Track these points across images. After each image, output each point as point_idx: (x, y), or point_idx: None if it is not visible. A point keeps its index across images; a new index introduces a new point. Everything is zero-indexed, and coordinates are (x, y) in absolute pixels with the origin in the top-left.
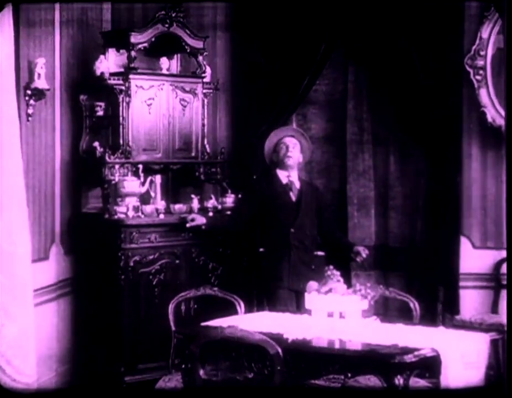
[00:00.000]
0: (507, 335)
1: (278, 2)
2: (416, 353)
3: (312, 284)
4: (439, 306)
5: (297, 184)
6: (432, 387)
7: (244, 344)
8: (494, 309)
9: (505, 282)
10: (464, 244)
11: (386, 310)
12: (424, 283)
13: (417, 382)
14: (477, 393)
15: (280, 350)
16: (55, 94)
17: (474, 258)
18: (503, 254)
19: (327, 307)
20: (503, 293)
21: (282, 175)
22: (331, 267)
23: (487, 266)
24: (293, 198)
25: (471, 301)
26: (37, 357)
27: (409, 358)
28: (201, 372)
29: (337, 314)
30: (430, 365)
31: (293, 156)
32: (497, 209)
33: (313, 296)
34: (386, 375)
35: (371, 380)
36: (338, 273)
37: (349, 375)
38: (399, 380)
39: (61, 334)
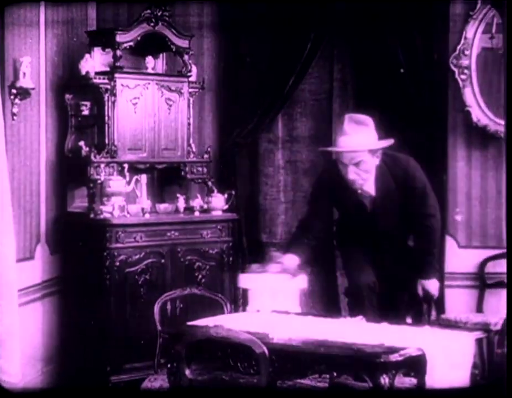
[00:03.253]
0: (507, 335)
1: (264, 1)
2: (401, 352)
3: (253, 265)
4: (425, 305)
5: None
6: (417, 386)
7: (230, 343)
8: (479, 308)
9: (489, 282)
10: (449, 243)
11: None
12: (409, 283)
13: (403, 382)
14: (478, 393)
15: (265, 350)
16: (40, 93)
17: (459, 258)
18: (488, 253)
19: (256, 285)
20: (488, 293)
21: None
22: (273, 249)
23: (472, 265)
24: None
25: (456, 300)
26: (22, 357)
27: (394, 357)
28: (187, 371)
29: (266, 291)
30: (415, 364)
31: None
32: (482, 208)
33: (245, 275)
34: (371, 374)
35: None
36: (280, 254)
37: (335, 374)
38: (384, 379)
39: (46, 334)
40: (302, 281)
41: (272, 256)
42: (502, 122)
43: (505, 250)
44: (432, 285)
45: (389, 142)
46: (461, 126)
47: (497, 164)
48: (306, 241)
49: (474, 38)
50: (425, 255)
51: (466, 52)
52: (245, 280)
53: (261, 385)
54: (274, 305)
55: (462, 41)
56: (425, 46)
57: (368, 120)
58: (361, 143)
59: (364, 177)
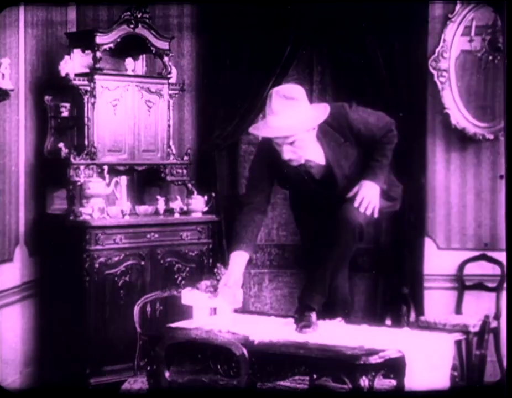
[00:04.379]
0: (507, 335)
1: (244, 3)
2: (381, 354)
3: (202, 282)
4: (404, 307)
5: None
6: (396, 388)
7: (210, 345)
8: (458, 310)
9: (468, 283)
10: (429, 245)
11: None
12: (388, 284)
13: (382, 384)
14: (479, 392)
15: (245, 351)
16: (19, 95)
17: (438, 260)
18: (467, 254)
19: (185, 301)
20: (467, 294)
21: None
22: (219, 265)
23: (451, 267)
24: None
25: (435, 302)
26: (1, 359)
27: (374, 359)
28: (166, 373)
29: (196, 309)
30: (395, 366)
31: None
32: (461, 210)
33: (183, 292)
34: (351, 376)
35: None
36: (222, 266)
37: (315, 376)
38: (364, 381)
39: (26, 336)
40: (238, 298)
41: (216, 270)
42: (481, 124)
43: (483, 252)
44: (368, 187)
45: (324, 113)
46: (440, 129)
47: (476, 166)
48: (253, 224)
49: (453, 41)
50: (374, 161)
51: (445, 55)
52: (184, 297)
53: (240, 387)
54: (210, 321)
55: (441, 44)
56: (404, 49)
57: (297, 91)
58: (292, 125)
59: (302, 153)
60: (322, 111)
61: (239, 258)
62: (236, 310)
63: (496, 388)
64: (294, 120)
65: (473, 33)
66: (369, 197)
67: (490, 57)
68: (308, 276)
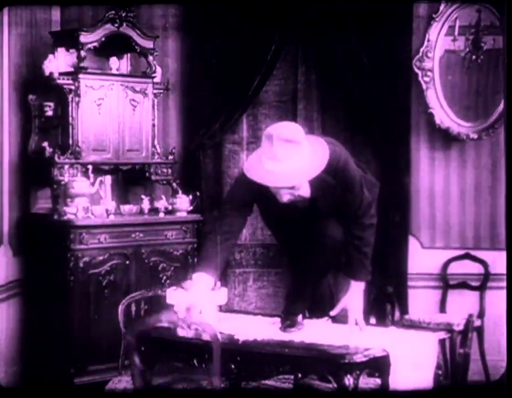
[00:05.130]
0: (507, 336)
1: (229, 2)
2: (365, 353)
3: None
4: (388, 306)
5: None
6: (381, 387)
7: (194, 344)
8: (442, 309)
9: (452, 282)
10: (413, 244)
11: None
12: (373, 283)
13: (367, 383)
14: (479, 392)
15: (218, 334)
16: (3, 94)
17: (422, 259)
18: (451, 253)
19: (170, 301)
20: (451, 293)
21: None
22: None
23: (436, 266)
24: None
25: (419, 301)
26: None
27: (359, 358)
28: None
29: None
30: (379, 365)
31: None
32: (445, 210)
33: (168, 291)
34: (336, 375)
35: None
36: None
37: (300, 375)
38: (349, 380)
39: (10, 336)
40: (222, 295)
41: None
42: (465, 124)
43: (467, 251)
44: (356, 300)
45: (326, 157)
46: (425, 128)
47: (460, 165)
48: (226, 245)
49: (437, 40)
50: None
51: (429, 55)
52: (168, 296)
53: (214, 373)
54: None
55: (425, 44)
56: (388, 49)
57: (298, 133)
58: (298, 173)
59: (298, 193)
60: (322, 154)
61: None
62: (221, 310)
63: (496, 388)
64: (298, 167)
65: (456, 33)
66: (360, 312)
67: (474, 57)
68: (291, 284)
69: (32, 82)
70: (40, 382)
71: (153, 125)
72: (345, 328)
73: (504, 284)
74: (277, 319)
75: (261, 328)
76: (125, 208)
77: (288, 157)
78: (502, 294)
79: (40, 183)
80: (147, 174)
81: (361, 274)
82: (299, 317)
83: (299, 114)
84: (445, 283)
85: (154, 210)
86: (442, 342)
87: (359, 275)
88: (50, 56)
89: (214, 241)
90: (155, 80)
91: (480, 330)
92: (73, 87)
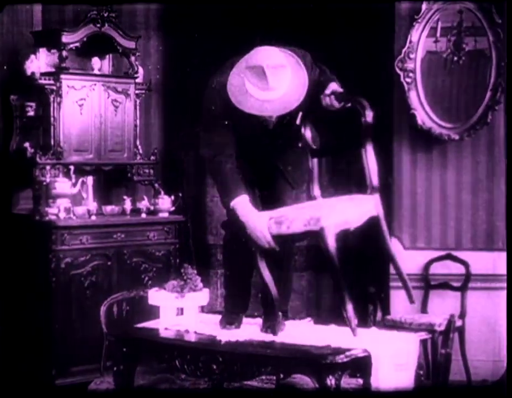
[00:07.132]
0: (507, 336)
1: (210, 3)
2: (347, 353)
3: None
4: (370, 307)
5: None
6: (363, 387)
7: (176, 345)
8: (423, 309)
9: (434, 283)
10: (395, 244)
11: (318, 310)
12: (355, 284)
13: (349, 383)
14: (479, 391)
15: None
16: None
17: (404, 259)
18: (433, 254)
19: (152, 302)
20: (432, 294)
21: None
22: (185, 265)
23: (417, 266)
24: None
25: (401, 301)
26: None
27: (341, 358)
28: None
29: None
30: (361, 365)
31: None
32: (426, 210)
33: (150, 292)
34: (318, 376)
35: (303, 380)
36: (192, 271)
37: (282, 375)
38: (331, 380)
39: None
40: (204, 296)
41: (183, 270)
42: (447, 125)
43: (448, 252)
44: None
45: (304, 71)
46: (406, 129)
47: (441, 166)
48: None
49: (419, 41)
50: None
51: (411, 56)
52: (151, 297)
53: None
54: (177, 321)
55: (407, 45)
56: (370, 50)
57: (281, 57)
58: (293, 98)
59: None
60: (301, 68)
61: (246, 202)
62: (203, 310)
63: (496, 388)
64: (292, 89)
65: (438, 34)
66: None
67: (455, 58)
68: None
69: (14, 82)
70: (21, 384)
71: (136, 126)
72: (328, 329)
73: (485, 284)
74: (259, 320)
75: (243, 329)
76: (107, 208)
77: (282, 82)
78: (483, 294)
79: (21, 183)
80: (129, 174)
81: None
82: (280, 317)
83: None
84: (427, 283)
85: (136, 211)
86: (423, 342)
87: None
88: (32, 56)
89: (219, 168)
90: (137, 80)
91: (461, 331)
92: (54, 87)
